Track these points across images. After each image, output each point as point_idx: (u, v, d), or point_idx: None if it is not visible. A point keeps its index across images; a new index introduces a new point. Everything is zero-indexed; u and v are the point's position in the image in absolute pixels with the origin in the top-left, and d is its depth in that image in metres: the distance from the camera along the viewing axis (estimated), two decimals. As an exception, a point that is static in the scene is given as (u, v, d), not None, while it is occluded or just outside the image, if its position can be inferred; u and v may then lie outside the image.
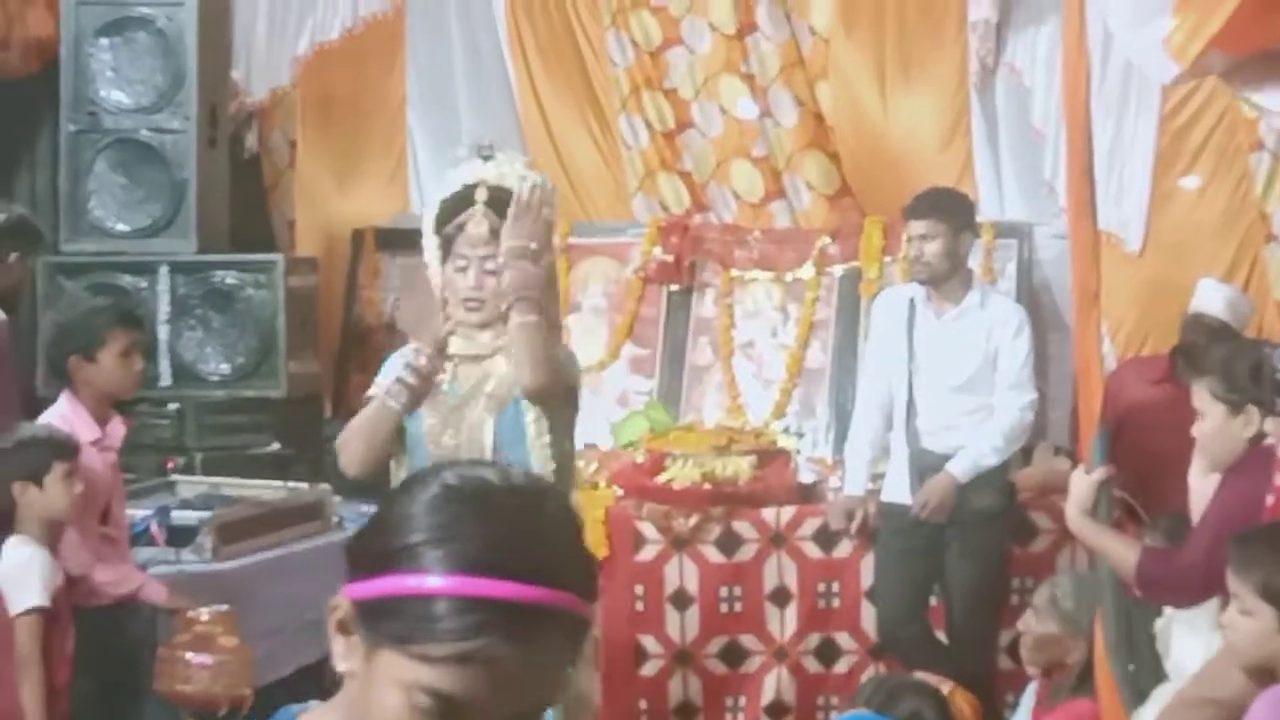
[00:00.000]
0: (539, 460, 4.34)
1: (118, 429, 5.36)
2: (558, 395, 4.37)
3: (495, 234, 4.31)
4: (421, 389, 4.35)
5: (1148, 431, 5.95)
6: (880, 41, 7.74)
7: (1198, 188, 7.29)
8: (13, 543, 4.80)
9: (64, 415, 5.23)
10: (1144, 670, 4.48)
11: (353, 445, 4.47)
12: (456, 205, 4.39)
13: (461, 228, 4.36)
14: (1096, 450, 4.29)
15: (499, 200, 4.33)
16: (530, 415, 4.38)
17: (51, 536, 4.86)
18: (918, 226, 6.24)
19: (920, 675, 4.89)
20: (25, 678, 4.63)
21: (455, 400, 4.42)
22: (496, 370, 4.42)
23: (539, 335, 4.26)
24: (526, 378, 4.28)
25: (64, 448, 4.96)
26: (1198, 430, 4.29)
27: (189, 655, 4.96)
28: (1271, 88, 3.83)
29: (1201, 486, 4.30)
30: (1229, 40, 3.61)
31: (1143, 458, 5.68)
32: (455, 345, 4.41)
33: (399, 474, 4.39)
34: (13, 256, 6.11)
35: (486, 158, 4.42)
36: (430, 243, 4.43)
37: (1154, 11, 3.69)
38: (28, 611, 4.66)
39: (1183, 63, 3.70)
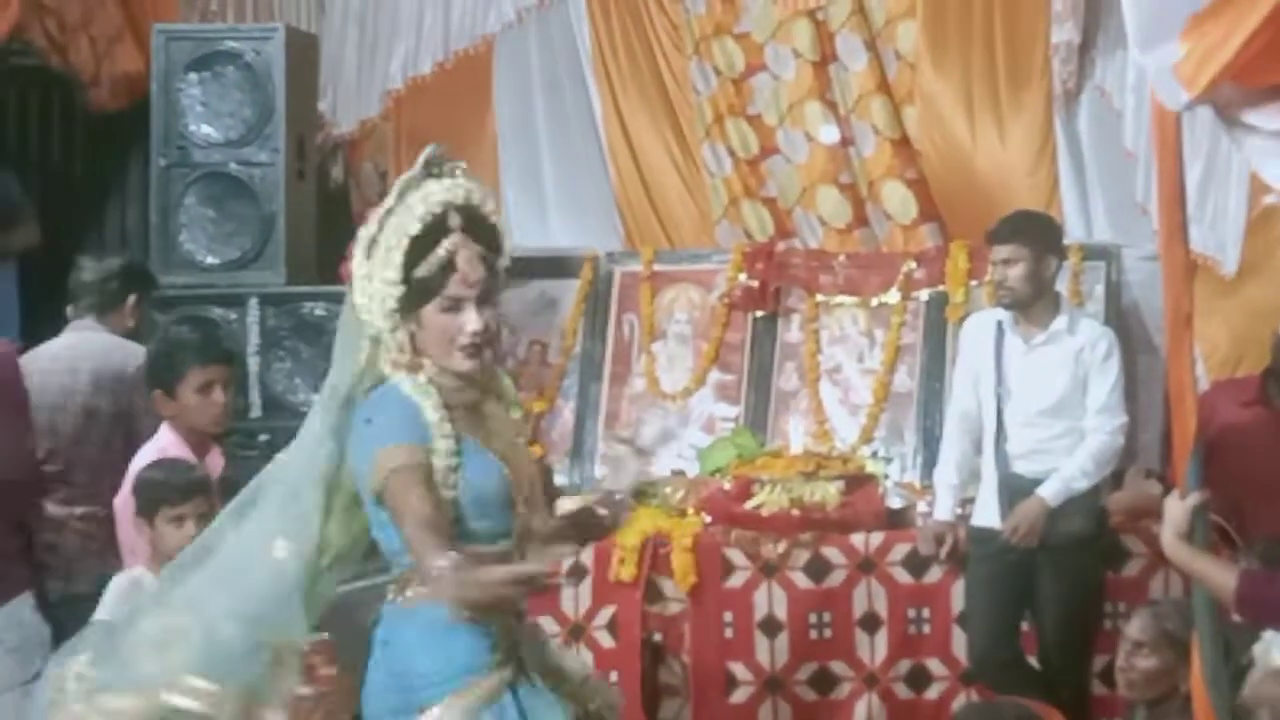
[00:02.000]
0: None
1: (215, 460, 5.40)
2: None
3: (485, 264, 3.70)
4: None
5: (1240, 454, 5.91)
6: (967, 65, 7.73)
7: (1289, 208, 7.24)
8: (122, 574, 4.86)
9: (162, 447, 5.28)
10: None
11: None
12: (430, 236, 3.66)
13: (450, 265, 3.67)
14: (1191, 474, 4.25)
15: (476, 224, 3.71)
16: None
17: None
18: (1000, 251, 6.22)
19: (1016, 700, 4.88)
20: None
21: (510, 455, 3.82)
22: (497, 413, 3.87)
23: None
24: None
25: (178, 488, 4.98)
26: (1294, 452, 4.25)
27: (289, 686, 5.00)
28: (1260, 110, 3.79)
29: (1299, 509, 4.27)
30: (1240, 72, 3.58)
31: (1235, 481, 5.64)
32: (452, 398, 3.73)
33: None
34: (130, 300, 6.17)
35: (437, 175, 3.74)
36: (392, 292, 3.67)
37: (1164, 37, 3.66)
38: None
39: (1192, 91, 3.67)
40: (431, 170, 3.73)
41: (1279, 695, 4.61)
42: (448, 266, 3.67)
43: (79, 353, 6.02)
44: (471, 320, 3.69)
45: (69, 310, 6.18)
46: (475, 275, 3.68)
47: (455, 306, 3.69)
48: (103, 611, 4.77)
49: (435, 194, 3.68)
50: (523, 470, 3.81)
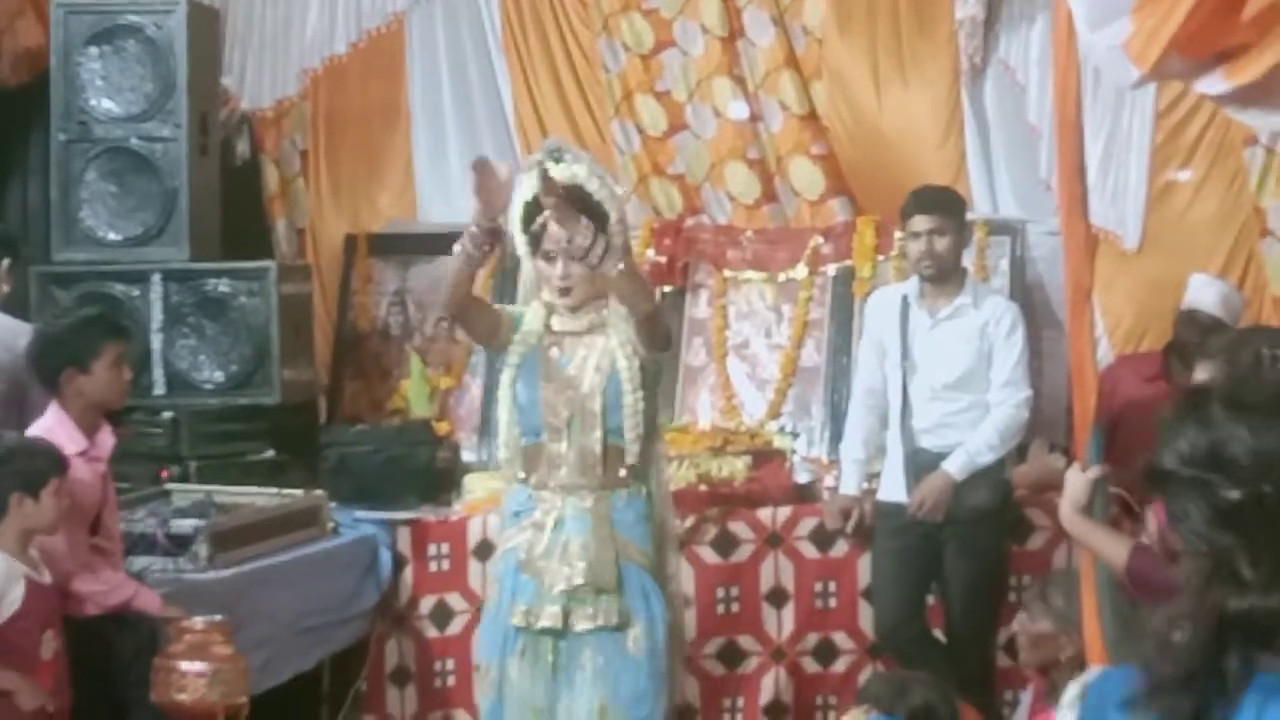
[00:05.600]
0: (631, 423, 4.95)
1: (106, 439, 5.34)
2: (660, 328, 5.04)
3: (575, 226, 4.78)
4: (476, 254, 4.87)
5: (1141, 429, 5.93)
6: (873, 40, 7.74)
7: (1192, 182, 7.29)
8: None
9: (49, 427, 5.21)
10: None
11: (444, 291, 5.27)
12: (537, 205, 4.84)
13: (544, 226, 4.88)
14: (1092, 448, 4.28)
15: (574, 198, 4.81)
16: (626, 386, 4.96)
17: (24, 550, 4.86)
18: (924, 222, 6.21)
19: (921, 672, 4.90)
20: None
21: (567, 371, 5.00)
22: (597, 346, 5.00)
23: (635, 274, 5.02)
24: (638, 309, 4.91)
25: (60, 462, 4.96)
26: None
27: (184, 664, 4.96)
28: (1256, 110, 3.82)
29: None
30: (1186, 43, 3.60)
31: (1138, 455, 5.68)
32: (559, 324, 5.03)
33: (511, 433, 5.05)
34: (3, 265, 6.07)
35: (557, 160, 4.87)
36: (520, 240, 5.01)
37: (1113, 14, 3.67)
38: None
39: (1143, 66, 3.69)
40: (551, 155, 4.86)
41: None
42: (543, 228, 4.87)
43: None
44: (559, 269, 4.91)
45: None
46: (563, 237, 4.81)
47: (549, 257, 4.92)
48: None
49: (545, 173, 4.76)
50: (574, 393, 4.96)
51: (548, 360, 5.01)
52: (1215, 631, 1.87)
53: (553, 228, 4.85)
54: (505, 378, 5.05)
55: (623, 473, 4.99)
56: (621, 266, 4.84)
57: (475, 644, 5.22)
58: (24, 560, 4.85)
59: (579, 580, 4.90)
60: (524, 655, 4.95)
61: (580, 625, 4.91)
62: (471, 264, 4.91)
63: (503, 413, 5.08)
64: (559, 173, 4.80)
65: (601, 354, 4.98)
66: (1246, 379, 2.04)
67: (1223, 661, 1.87)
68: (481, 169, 4.78)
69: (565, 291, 4.95)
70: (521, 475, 5.03)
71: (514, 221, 4.98)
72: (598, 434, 4.96)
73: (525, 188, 4.90)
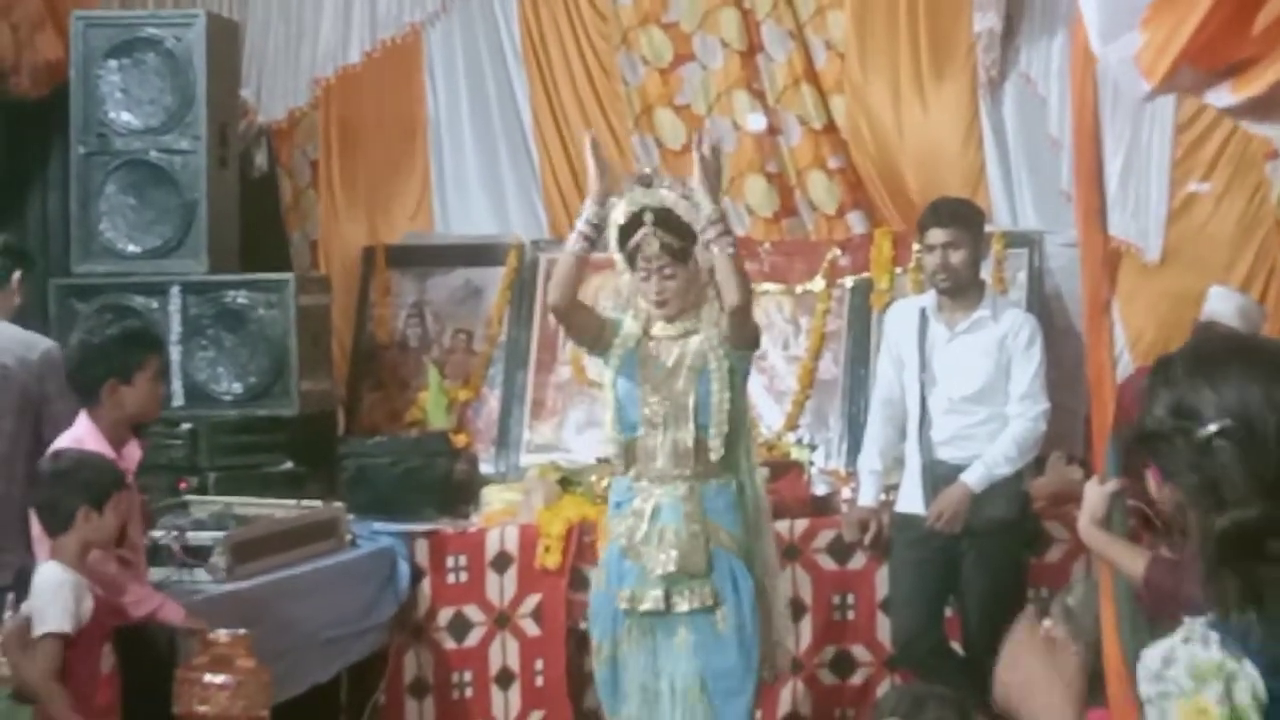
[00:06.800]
0: (717, 419, 5.34)
1: (134, 452, 5.34)
2: (750, 325, 5.44)
3: (665, 247, 5.33)
4: (593, 235, 5.39)
5: (1160, 441, 5.94)
6: (894, 54, 7.76)
7: (1211, 194, 7.31)
8: (50, 567, 4.81)
9: (79, 438, 5.20)
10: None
11: (552, 282, 5.57)
12: (631, 226, 5.34)
13: (639, 246, 5.34)
14: (1110, 460, 4.27)
15: (663, 220, 5.32)
16: (715, 385, 5.36)
17: (82, 563, 4.87)
18: (940, 235, 6.22)
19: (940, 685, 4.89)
20: (47, 700, 4.66)
21: (663, 371, 5.41)
22: (691, 348, 5.40)
23: (738, 262, 5.32)
24: (731, 297, 5.28)
25: (121, 477, 4.98)
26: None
27: (207, 677, 4.97)
28: (1270, 123, 3.83)
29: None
30: (1196, 55, 3.60)
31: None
32: (658, 329, 5.44)
33: (614, 430, 5.45)
34: (15, 277, 6.07)
35: (647, 185, 5.39)
36: (618, 257, 5.45)
37: (1124, 26, 3.68)
38: (45, 636, 4.67)
39: (1153, 79, 3.69)
40: (642, 181, 5.44)
41: None
42: (637, 249, 5.36)
43: None
44: (654, 285, 5.38)
45: None
46: (655, 257, 5.34)
47: (645, 274, 5.38)
48: (36, 601, 4.74)
49: (636, 198, 5.37)
50: (669, 391, 5.39)
51: (646, 362, 5.44)
52: (1216, 554, 2.20)
53: (646, 250, 5.35)
54: (608, 379, 5.50)
55: (714, 463, 5.37)
56: (731, 251, 5.30)
57: (590, 620, 5.60)
58: (83, 573, 4.86)
59: (672, 567, 5.30)
60: (631, 635, 5.37)
61: (680, 607, 5.32)
62: (586, 250, 5.41)
63: (607, 412, 5.52)
64: (648, 198, 5.35)
65: (695, 355, 5.40)
66: (1200, 343, 2.39)
67: (1223, 578, 2.20)
68: (598, 149, 5.43)
69: (661, 304, 5.40)
70: (623, 468, 5.46)
71: (610, 241, 5.45)
72: (690, 428, 5.37)
73: (619, 211, 5.38)
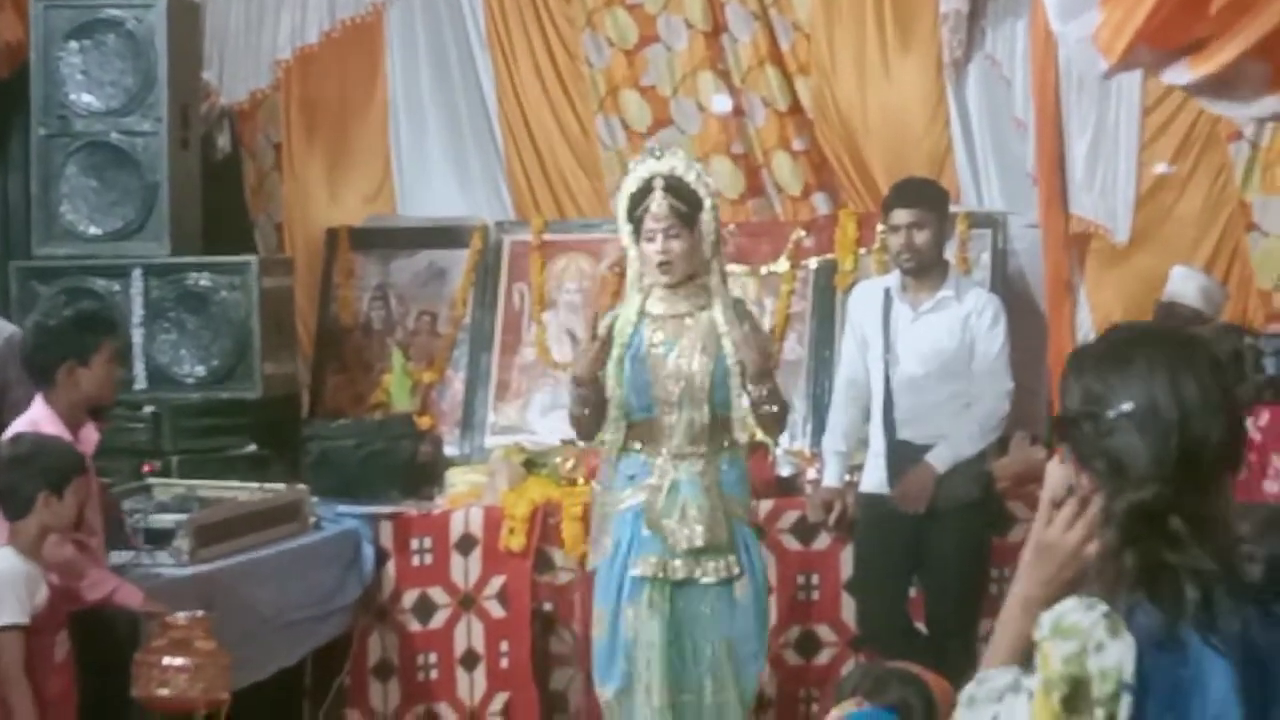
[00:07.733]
0: (736, 402, 5.45)
1: (91, 435, 5.30)
2: (777, 412, 5.54)
3: (673, 210, 5.40)
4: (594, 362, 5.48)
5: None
6: (860, 34, 7.77)
7: (1178, 175, 7.33)
8: (2, 556, 4.78)
9: (35, 421, 5.17)
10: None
11: (577, 425, 5.64)
12: (640, 195, 5.45)
13: (647, 209, 5.42)
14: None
15: (673, 185, 5.43)
16: (733, 368, 5.44)
17: (38, 550, 4.84)
18: (905, 215, 6.21)
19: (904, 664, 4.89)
20: (10, 693, 4.63)
21: (673, 354, 5.48)
22: (701, 323, 5.49)
23: (781, 420, 5.58)
24: (750, 362, 5.43)
25: (81, 461, 4.95)
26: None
27: (166, 660, 4.95)
28: (1226, 102, 3.84)
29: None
30: (1153, 34, 3.61)
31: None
32: (658, 308, 5.52)
33: (614, 415, 5.50)
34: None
35: (658, 157, 5.53)
36: (625, 229, 5.52)
37: (1083, 6, 3.70)
38: (5, 628, 4.65)
39: (1110, 57, 3.71)
40: (653, 153, 5.57)
41: None
42: (645, 211, 5.42)
43: None
44: (659, 244, 5.42)
45: None
46: (663, 217, 5.39)
47: (651, 237, 5.42)
48: None
49: (649, 166, 5.49)
50: (684, 367, 5.47)
51: (653, 345, 5.50)
52: (1119, 534, 2.30)
53: (654, 209, 5.43)
54: (610, 369, 5.52)
55: (726, 441, 5.52)
56: (747, 329, 5.49)
57: (594, 588, 5.63)
58: (37, 560, 4.82)
59: (699, 543, 5.42)
60: (648, 602, 5.44)
61: (706, 578, 5.45)
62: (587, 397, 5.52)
63: (610, 397, 5.53)
64: (660, 165, 5.48)
65: (707, 334, 5.50)
66: (1110, 333, 2.49)
67: (1123, 557, 2.29)
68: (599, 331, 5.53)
69: (665, 266, 5.46)
70: (637, 446, 5.52)
71: (619, 213, 5.57)
72: (705, 409, 5.48)
73: (630, 179, 5.53)
